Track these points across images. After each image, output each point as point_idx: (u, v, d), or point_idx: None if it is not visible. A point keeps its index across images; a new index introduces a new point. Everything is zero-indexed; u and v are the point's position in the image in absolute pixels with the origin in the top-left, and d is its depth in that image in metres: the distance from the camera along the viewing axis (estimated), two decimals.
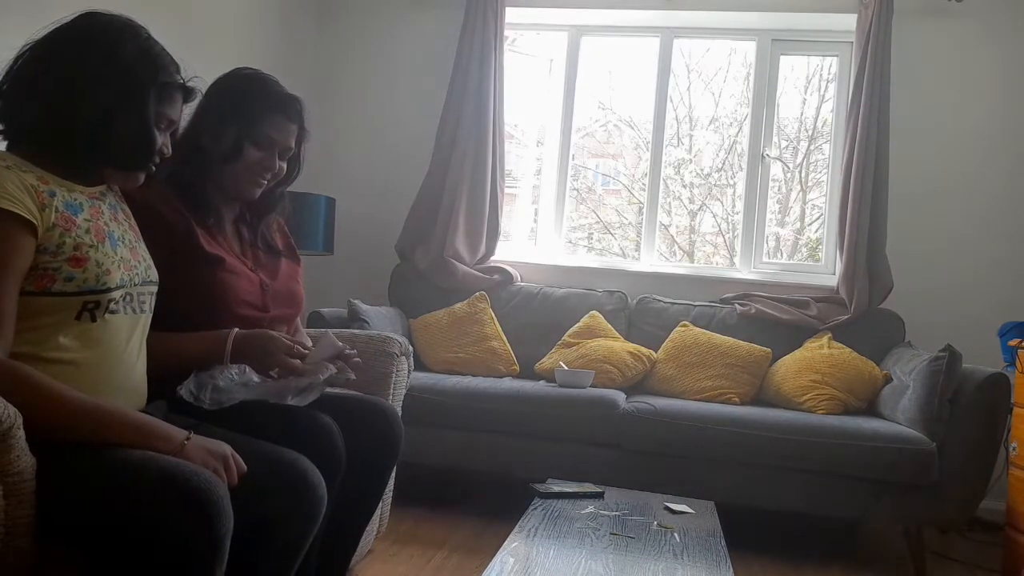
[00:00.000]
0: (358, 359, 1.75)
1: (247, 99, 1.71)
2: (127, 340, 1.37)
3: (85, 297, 1.28)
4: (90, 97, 1.30)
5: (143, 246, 1.47)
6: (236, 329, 1.61)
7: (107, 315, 1.32)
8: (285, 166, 1.79)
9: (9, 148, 1.34)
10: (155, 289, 1.47)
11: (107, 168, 1.39)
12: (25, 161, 1.29)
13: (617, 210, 4.32)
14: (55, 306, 1.26)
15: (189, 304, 1.60)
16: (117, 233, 1.38)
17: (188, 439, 1.25)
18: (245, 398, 1.55)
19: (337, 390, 1.99)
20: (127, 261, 1.38)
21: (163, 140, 1.41)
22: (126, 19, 1.39)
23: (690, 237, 4.28)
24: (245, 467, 1.28)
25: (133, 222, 1.49)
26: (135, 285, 1.39)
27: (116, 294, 1.33)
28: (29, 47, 1.34)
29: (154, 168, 1.42)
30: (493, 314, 3.50)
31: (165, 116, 1.40)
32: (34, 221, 1.23)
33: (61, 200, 1.29)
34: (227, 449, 1.28)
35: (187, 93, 1.44)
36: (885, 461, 2.66)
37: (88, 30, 1.34)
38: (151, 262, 1.47)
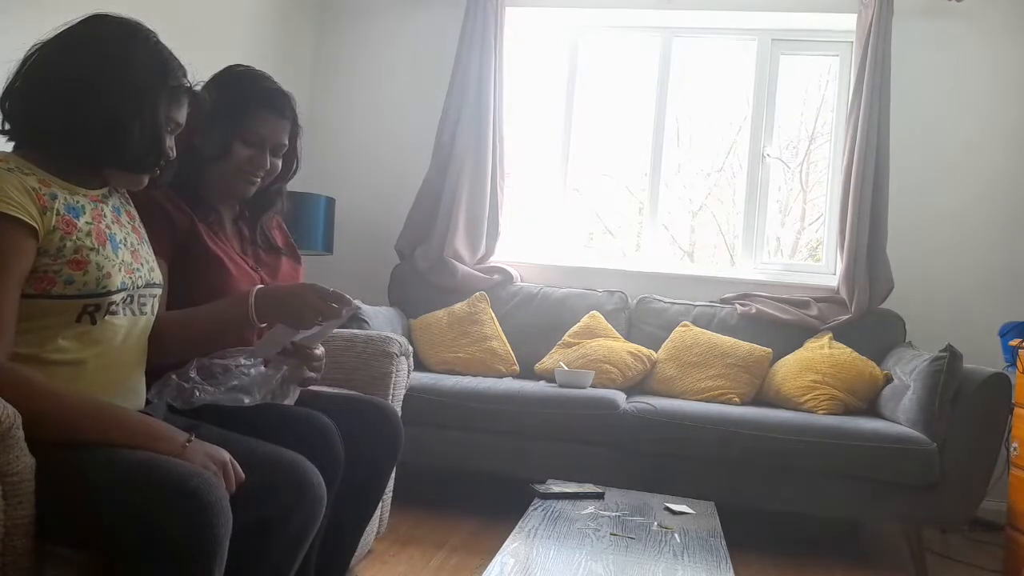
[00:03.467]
0: (318, 361, 1.70)
1: (235, 97, 1.70)
2: (126, 342, 1.37)
3: (85, 300, 1.28)
4: (100, 100, 1.30)
5: (146, 248, 1.47)
6: (258, 286, 1.58)
7: (107, 317, 1.32)
8: (280, 163, 1.78)
9: (15, 150, 1.34)
10: (158, 291, 1.46)
11: (113, 170, 1.38)
12: (28, 163, 1.29)
13: (617, 210, 4.32)
14: (55, 309, 1.26)
15: (190, 301, 1.59)
16: (119, 236, 1.38)
17: (189, 441, 1.25)
18: (213, 400, 1.52)
19: (337, 390, 1.99)
20: (128, 264, 1.37)
21: (170, 143, 1.41)
22: (135, 22, 1.39)
23: (690, 237, 4.28)
24: (244, 476, 1.27)
25: (138, 224, 1.49)
26: (137, 288, 1.39)
27: (116, 297, 1.33)
28: (38, 49, 1.33)
29: (159, 171, 1.42)
30: (493, 314, 3.50)
31: (173, 119, 1.40)
32: (34, 225, 1.23)
33: (63, 203, 1.29)
34: (227, 456, 1.27)
35: (193, 97, 1.44)
36: (886, 461, 2.65)
37: (98, 33, 1.34)
38: (154, 264, 1.47)
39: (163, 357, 1.51)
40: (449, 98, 3.75)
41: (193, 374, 1.52)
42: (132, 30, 1.37)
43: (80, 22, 1.35)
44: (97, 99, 1.30)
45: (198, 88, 1.47)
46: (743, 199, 3.86)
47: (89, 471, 1.16)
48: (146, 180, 1.42)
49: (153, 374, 1.49)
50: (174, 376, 1.51)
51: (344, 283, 3.81)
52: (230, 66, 1.78)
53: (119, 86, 1.31)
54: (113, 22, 1.37)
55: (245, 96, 1.71)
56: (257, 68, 1.79)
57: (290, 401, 1.67)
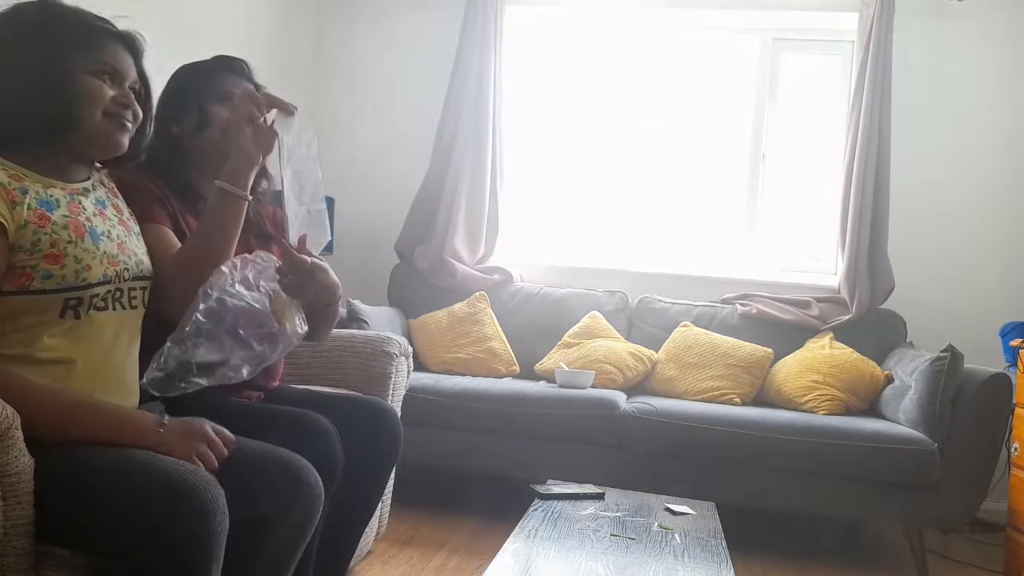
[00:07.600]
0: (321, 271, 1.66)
1: (192, 72, 1.74)
2: (116, 337, 1.36)
3: (65, 294, 1.27)
4: (14, 82, 1.29)
5: (135, 240, 1.44)
6: (216, 182, 1.52)
7: (92, 312, 1.31)
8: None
9: None
10: (148, 284, 1.44)
11: (73, 141, 1.34)
12: (2, 159, 1.28)
13: (617, 210, 4.31)
14: (36, 305, 1.25)
15: None
16: (101, 228, 1.36)
17: (163, 426, 1.25)
18: (206, 384, 1.40)
19: (336, 390, 1.99)
20: (112, 256, 1.35)
21: (118, 92, 1.36)
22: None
23: (690, 237, 4.27)
24: (232, 437, 1.27)
25: (126, 216, 1.46)
26: (124, 280, 1.36)
27: (99, 290, 1.31)
28: None
29: (128, 125, 1.37)
30: (493, 314, 3.50)
31: (100, 64, 1.34)
32: (3, 221, 1.22)
33: (34, 197, 1.27)
34: (206, 426, 1.26)
35: (126, 42, 1.39)
36: (886, 462, 2.65)
37: (10, 16, 1.32)
38: (144, 257, 1.44)
39: (195, 281, 1.41)
40: (449, 98, 3.74)
41: (190, 329, 1.37)
42: (19, 5, 1.34)
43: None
44: (9, 82, 1.28)
45: (128, 30, 1.41)
46: (743, 199, 3.85)
47: (87, 471, 1.16)
48: (122, 140, 1.37)
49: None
50: (169, 344, 1.38)
51: (344, 283, 3.80)
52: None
53: (18, 61, 1.29)
54: (10, 9, 1.34)
55: (204, 67, 1.75)
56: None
57: (301, 329, 1.55)
